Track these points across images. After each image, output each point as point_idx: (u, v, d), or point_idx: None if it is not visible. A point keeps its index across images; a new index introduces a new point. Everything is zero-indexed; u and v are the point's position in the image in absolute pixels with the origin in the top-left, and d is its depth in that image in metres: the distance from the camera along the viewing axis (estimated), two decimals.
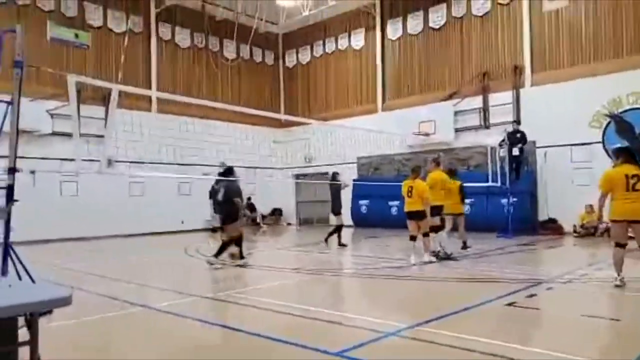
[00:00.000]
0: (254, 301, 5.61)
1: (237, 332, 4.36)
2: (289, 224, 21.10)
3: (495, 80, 15.62)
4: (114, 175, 11.58)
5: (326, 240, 11.54)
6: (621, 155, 6.18)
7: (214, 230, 13.54)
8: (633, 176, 5.91)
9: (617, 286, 5.89)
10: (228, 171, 9.39)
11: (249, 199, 20.24)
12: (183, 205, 17.03)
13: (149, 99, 17.01)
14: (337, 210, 11.54)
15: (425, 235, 8.67)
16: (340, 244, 11.27)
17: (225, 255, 8.58)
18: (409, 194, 8.69)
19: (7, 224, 4.90)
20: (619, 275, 5.97)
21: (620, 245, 6.00)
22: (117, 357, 3.99)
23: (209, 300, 5.95)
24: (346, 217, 18.27)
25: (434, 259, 8.57)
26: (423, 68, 17.47)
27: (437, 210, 8.92)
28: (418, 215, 8.62)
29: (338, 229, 11.41)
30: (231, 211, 8.73)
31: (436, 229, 8.95)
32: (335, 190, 11.61)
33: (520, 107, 15.02)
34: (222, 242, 8.74)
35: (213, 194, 10.04)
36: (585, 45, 13.87)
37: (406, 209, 8.86)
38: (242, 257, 8.81)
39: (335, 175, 11.84)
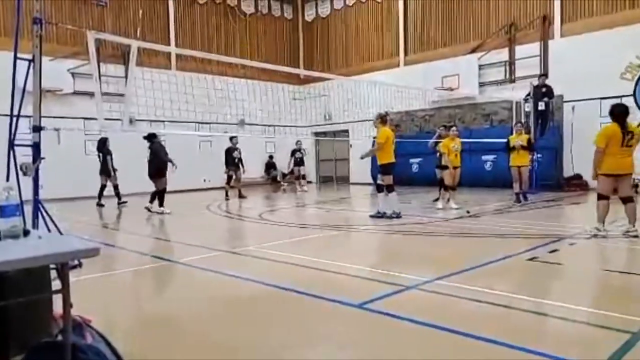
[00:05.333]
0: (277, 256, 5.71)
1: (261, 284, 4.46)
2: (309, 182, 21.20)
3: (522, 31, 15.01)
4: (136, 133, 11.67)
5: (149, 208, 10.65)
6: (613, 114, 6.39)
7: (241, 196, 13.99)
8: (628, 132, 6.22)
9: (595, 235, 6.34)
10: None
11: (270, 157, 20.34)
12: (205, 163, 17.19)
13: (168, 56, 16.95)
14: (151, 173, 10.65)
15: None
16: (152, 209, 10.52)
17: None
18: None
19: (35, 181, 5.02)
20: (603, 225, 6.41)
21: (606, 197, 6.38)
22: (146, 307, 4.13)
23: (233, 255, 6.08)
24: (362, 175, 18.38)
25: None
26: (447, 20, 16.86)
27: (391, 168, 8.75)
28: None
29: (158, 192, 10.60)
30: None
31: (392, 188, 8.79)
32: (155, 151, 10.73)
33: (547, 60, 14.49)
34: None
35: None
36: None
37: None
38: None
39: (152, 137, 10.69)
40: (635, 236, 6.21)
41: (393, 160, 8.75)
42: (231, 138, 14.01)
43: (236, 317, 3.64)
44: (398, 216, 8.61)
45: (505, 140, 11.16)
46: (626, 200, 6.41)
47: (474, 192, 13.02)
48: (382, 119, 8.94)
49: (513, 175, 10.68)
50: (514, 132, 11.04)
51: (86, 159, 15.06)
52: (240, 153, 14.09)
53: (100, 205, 12.25)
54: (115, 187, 12.65)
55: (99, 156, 12.64)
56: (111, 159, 12.46)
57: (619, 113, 6.32)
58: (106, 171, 12.49)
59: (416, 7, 17.68)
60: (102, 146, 12.56)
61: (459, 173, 10.35)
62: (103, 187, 12.55)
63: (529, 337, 3.03)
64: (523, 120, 12.42)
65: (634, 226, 6.31)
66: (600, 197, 6.44)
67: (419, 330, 3.21)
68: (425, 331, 3.19)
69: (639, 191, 12.34)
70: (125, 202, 12.56)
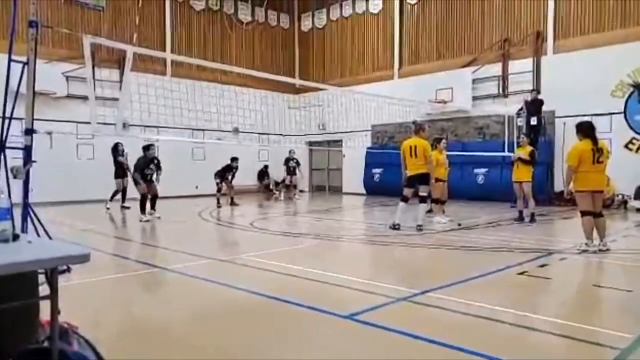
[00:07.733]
0: (267, 264, 5.69)
1: (250, 293, 4.44)
2: (301, 191, 21.17)
3: (515, 47, 15.19)
4: (129, 138, 11.67)
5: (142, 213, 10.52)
6: (581, 130, 6.52)
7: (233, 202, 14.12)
8: (598, 149, 6.35)
9: (585, 251, 6.38)
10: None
11: (266, 167, 20.31)
12: (197, 170, 17.13)
13: (164, 62, 16.93)
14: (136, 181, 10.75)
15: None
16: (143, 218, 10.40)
17: None
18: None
19: (25, 185, 4.98)
20: (592, 241, 6.45)
21: (589, 213, 6.47)
22: (134, 314, 4.10)
23: (223, 262, 6.05)
24: (355, 185, 18.42)
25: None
26: (442, 33, 17.02)
27: (426, 179, 8.83)
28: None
29: (142, 197, 10.64)
30: None
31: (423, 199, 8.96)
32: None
33: (540, 76, 14.65)
34: None
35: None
36: (613, 10, 13.33)
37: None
38: None
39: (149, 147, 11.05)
40: (607, 250, 6.41)
41: (412, 172, 8.74)
42: (233, 159, 14.24)
43: (223, 327, 3.62)
44: (394, 227, 8.65)
45: (511, 154, 10.80)
46: (596, 215, 6.54)
47: (466, 206, 13.07)
48: (414, 130, 9.10)
49: (515, 191, 10.10)
50: (517, 144, 10.57)
51: (78, 163, 14.98)
52: (235, 173, 14.36)
53: (125, 207, 12.75)
54: (124, 189, 13.02)
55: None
56: (121, 162, 12.82)
57: (588, 127, 6.47)
58: (119, 174, 12.85)
59: (412, 19, 17.85)
60: (113, 151, 12.90)
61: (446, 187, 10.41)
62: (124, 190, 12.96)
63: (517, 351, 3.04)
64: (524, 132, 12.07)
65: (601, 241, 6.49)
66: (583, 213, 6.55)
67: (408, 343, 3.21)
68: (414, 343, 3.19)
69: (627, 207, 12.48)
70: (128, 207, 12.69)
